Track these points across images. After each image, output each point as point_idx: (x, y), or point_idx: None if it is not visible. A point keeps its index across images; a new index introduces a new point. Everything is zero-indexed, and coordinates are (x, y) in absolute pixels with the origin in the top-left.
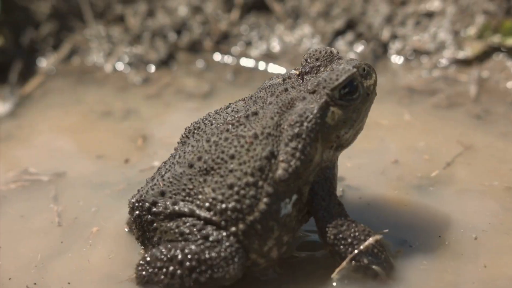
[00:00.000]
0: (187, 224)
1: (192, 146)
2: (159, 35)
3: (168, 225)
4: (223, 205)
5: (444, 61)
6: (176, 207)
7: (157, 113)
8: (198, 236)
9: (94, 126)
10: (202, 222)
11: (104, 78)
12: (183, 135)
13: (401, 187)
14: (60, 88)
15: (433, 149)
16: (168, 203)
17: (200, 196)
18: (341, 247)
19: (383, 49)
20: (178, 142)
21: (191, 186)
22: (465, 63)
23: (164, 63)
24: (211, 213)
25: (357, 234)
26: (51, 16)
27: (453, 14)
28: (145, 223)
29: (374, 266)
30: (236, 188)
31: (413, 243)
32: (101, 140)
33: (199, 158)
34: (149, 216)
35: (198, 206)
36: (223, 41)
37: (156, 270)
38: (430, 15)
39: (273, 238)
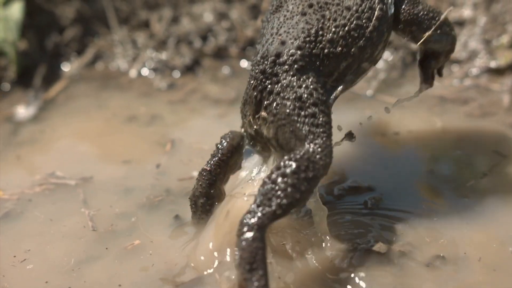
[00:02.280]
0: (307, 91)
1: (293, 3)
2: (184, 41)
3: (292, 79)
4: (346, 28)
5: (475, 70)
6: (300, 52)
7: (183, 118)
8: (308, 111)
9: (118, 131)
10: (317, 93)
11: (129, 83)
12: (272, 9)
13: (436, 198)
14: (84, 93)
15: (469, 158)
16: (292, 49)
17: (321, 32)
18: (426, 21)
19: (412, 57)
20: (263, 21)
21: (310, 27)
22: (497, 72)
23: (190, 69)
24: (334, 44)
25: (435, 12)
26: (75, 20)
27: (485, 23)
28: (269, 76)
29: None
30: (354, 7)
31: (440, 255)
32: (127, 145)
33: (310, 5)
34: (274, 68)
35: (320, 42)
36: (249, 48)
37: (266, 202)
38: (460, 23)
39: (383, 40)
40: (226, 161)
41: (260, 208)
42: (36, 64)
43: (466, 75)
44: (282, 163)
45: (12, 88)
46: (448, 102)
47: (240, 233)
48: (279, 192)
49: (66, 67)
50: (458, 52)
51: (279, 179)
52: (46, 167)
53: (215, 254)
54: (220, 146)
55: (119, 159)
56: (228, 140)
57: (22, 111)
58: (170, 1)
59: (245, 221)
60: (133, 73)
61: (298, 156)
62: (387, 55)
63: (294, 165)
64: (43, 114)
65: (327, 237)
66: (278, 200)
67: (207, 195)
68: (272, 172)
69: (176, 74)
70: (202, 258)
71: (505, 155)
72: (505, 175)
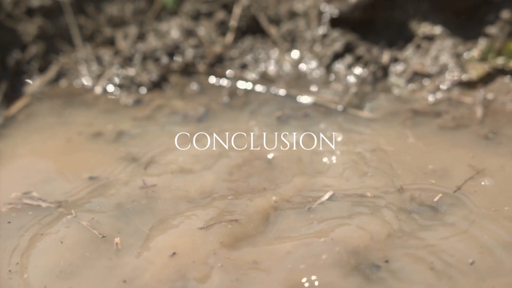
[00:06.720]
0: None
1: None
2: (150, 57)
3: None
4: None
5: (447, 84)
6: None
7: (152, 135)
8: None
9: (83, 149)
10: None
11: (94, 100)
12: None
13: (408, 211)
14: (47, 110)
15: (442, 172)
16: None
17: None
18: None
19: (383, 72)
20: None
21: None
22: (469, 85)
23: (157, 85)
24: None
25: None
26: (38, 37)
27: (455, 37)
28: None
29: None
30: None
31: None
32: (92, 162)
33: None
34: None
35: None
36: (217, 64)
37: None
38: (431, 38)
39: None
40: None
41: None
42: None
43: (438, 88)
44: None
45: None
46: (420, 115)
47: None
48: None
49: (28, 85)
50: (429, 66)
51: None
52: (7, 186)
53: None
54: None
55: (85, 175)
56: None
57: None
58: (135, 19)
59: None
60: (98, 90)
61: None
62: (357, 70)
63: None
64: (3, 132)
65: None
66: None
67: None
68: None
69: (143, 90)
70: None
71: (480, 168)
72: (479, 189)
